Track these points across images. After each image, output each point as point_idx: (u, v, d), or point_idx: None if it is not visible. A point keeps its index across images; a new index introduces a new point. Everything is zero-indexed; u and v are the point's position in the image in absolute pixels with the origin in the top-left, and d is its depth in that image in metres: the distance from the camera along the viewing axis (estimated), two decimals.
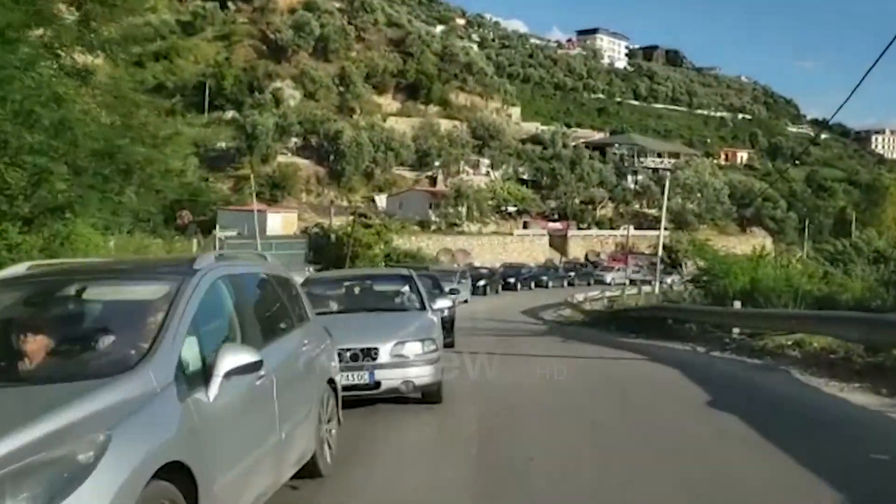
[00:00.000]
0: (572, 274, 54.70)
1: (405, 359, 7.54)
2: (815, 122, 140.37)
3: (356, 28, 78.43)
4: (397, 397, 7.64)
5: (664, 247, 46.70)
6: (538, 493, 4.89)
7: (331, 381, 5.65)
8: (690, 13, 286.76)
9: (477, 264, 51.96)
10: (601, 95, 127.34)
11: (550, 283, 49.88)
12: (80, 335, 3.78)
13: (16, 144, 11.63)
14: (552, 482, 5.14)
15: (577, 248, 68.98)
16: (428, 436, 6.91)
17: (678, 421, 7.00)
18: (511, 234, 66.58)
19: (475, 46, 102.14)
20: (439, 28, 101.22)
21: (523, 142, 79.75)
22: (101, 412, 2.94)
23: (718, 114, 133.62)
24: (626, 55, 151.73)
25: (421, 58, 78.32)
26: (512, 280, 47.06)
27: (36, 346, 3.55)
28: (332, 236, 46.84)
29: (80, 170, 17.39)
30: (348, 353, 7.32)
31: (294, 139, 65.56)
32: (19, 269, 4.41)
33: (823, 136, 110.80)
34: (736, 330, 13.94)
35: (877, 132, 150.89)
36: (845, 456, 5.51)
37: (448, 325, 13.89)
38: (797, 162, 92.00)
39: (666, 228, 48.12)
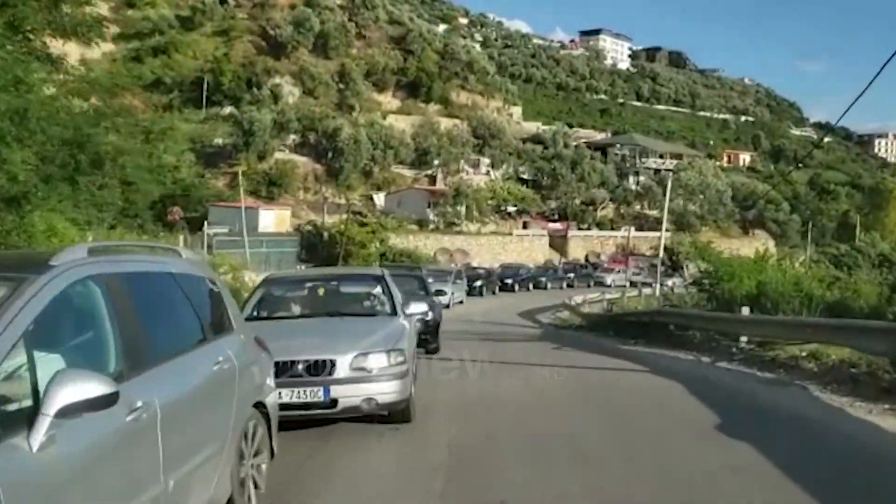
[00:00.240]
0: (572, 275, 53.59)
1: (367, 373, 6.45)
2: (818, 126, 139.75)
3: (357, 25, 77.58)
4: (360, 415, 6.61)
5: (665, 248, 45.75)
6: None
7: (260, 406, 4.62)
8: (694, 15, 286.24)
9: (474, 264, 50.91)
10: (604, 96, 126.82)
11: (549, 285, 48.82)
12: None
13: None
14: None
15: (578, 248, 67.95)
16: (387, 466, 5.86)
17: (684, 452, 5.95)
18: (510, 234, 65.55)
19: (478, 46, 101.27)
20: (442, 27, 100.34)
21: (524, 141, 78.81)
22: None
23: (721, 116, 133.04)
24: (629, 56, 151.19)
25: (422, 56, 77.42)
26: (509, 281, 45.91)
27: None
28: (325, 234, 45.77)
29: (46, 159, 16.35)
30: (300, 366, 6.30)
31: (292, 136, 64.60)
32: None
33: (826, 139, 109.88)
34: (744, 338, 12.84)
35: (879, 136, 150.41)
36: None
37: (433, 329, 12.90)
38: (800, 165, 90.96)
39: (667, 230, 47.17)
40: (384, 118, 70.04)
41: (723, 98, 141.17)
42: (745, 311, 12.98)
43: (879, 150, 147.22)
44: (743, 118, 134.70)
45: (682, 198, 71.72)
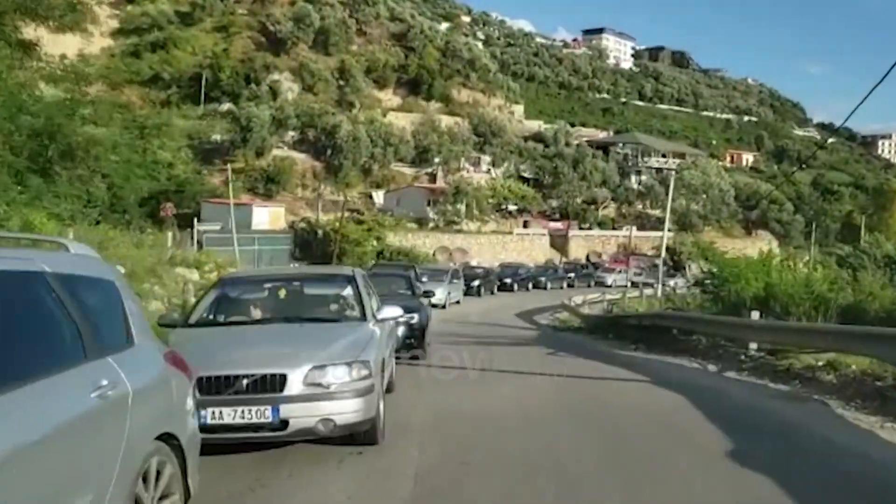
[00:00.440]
0: (572, 275, 52.58)
1: (324, 389, 5.53)
2: (821, 126, 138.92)
3: (357, 21, 76.78)
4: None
5: (667, 248, 44.89)
6: None
7: (169, 438, 3.73)
8: (697, 15, 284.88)
9: (473, 263, 49.93)
10: (606, 95, 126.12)
11: (549, 285, 47.80)
12: None
13: None
14: None
15: (579, 248, 67.03)
16: (343, 500, 4.98)
17: (692, 486, 5.06)
18: (511, 233, 64.61)
19: (480, 44, 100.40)
20: (444, 25, 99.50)
21: (525, 139, 77.95)
22: None
23: (724, 116, 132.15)
24: (632, 56, 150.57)
25: (423, 53, 76.62)
26: (508, 281, 44.90)
27: None
28: (320, 232, 44.80)
29: (14, 149, 15.52)
30: (244, 381, 5.41)
31: (291, 133, 63.71)
32: None
33: (830, 140, 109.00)
34: (753, 345, 11.89)
35: (883, 137, 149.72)
36: None
37: (419, 333, 12.02)
38: (804, 165, 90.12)
39: (669, 230, 46.28)
40: (384, 115, 69.16)
41: (726, 98, 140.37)
42: (755, 315, 12.05)
43: (883, 151, 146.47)
44: (746, 118, 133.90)
45: (684, 197, 70.76)
